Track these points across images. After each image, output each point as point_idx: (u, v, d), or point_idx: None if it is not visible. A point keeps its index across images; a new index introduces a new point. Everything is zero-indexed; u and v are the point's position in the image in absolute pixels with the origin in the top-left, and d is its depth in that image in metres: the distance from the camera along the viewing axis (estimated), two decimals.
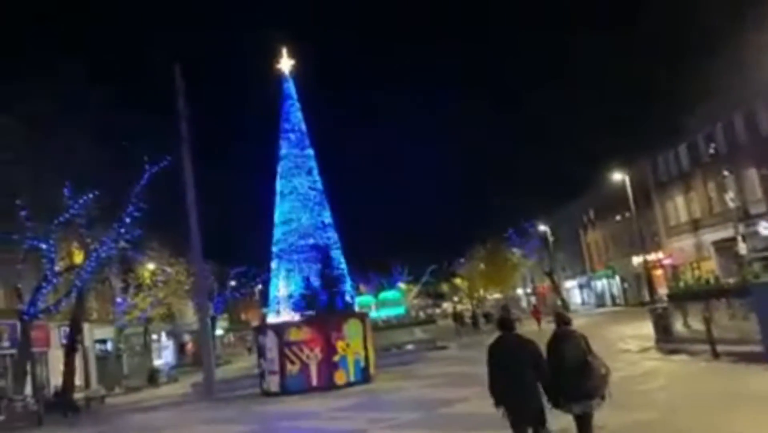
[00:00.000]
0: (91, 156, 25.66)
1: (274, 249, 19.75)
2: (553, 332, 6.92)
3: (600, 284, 58.93)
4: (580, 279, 63.81)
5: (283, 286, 19.15)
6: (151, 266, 38.58)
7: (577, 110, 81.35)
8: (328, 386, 17.96)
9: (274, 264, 19.71)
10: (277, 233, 19.72)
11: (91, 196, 24.83)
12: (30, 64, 24.40)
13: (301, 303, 18.65)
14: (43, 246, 23.85)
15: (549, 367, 6.42)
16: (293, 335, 18.15)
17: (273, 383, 18.39)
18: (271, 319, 19.46)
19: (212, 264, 47.11)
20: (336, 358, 18.27)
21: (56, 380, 29.39)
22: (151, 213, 27.66)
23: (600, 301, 57.69)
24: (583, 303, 63.17)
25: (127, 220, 27.05)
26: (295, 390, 17.89)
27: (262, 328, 19.71)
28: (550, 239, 61.36)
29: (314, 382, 18.01)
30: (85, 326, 40.30)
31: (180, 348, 57.73)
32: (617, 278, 53.85)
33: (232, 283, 55.65)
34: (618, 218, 49.93)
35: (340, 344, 18.38)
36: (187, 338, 57.56)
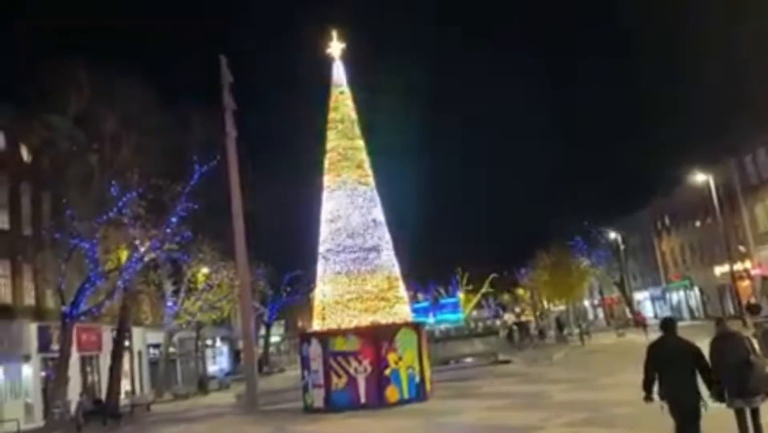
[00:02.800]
0: (139, 154, 24.88)
1: (321, 249, 17.97)
2: (715, 334, 7.48)
3: (676, 295, 54.86)
4: (653, 290, 59.73)
5: (329, 290, 17.31)
6: (205, 270, 37.72)
7: (652, 108, 76.90)
8: (378, 403, 15.99)
9: (320, 266, 17.93)
10: (324, 232, 17.94)
11: (135, 194, 23.89)
12: (75, 59, 23.79)
13: (350, 310, 16.75)
14: (86, 245, 23.00)
15: (712, 365, 7.10)
16: (339, 345, 16.28)
17: (317, 397, 16.56)
18: (317, 326, 17.64)
19: (266, 268, 46.11)
20: (387, 372, 16.29)
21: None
22: (202, 214, 26.65)
23: (676, 314, 53.53)
24: (656, 316, 59.07)
25: (174, 220, 26.08)
26: (342, 406, 16.00)
27: (306, 336, 17.93)
28: (621, 246, 57.59)
29: (362, 398, 16.06)
30: (138, 330, 39.83)
31: (235, 354, 56.93)
32: (696, 290, 49.84)
33: (288, 288, 54.65)
34: (697, 224, 46.19)
35: (391, 357, 16.39)
36: (242, 344, 56.76)
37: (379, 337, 16.45)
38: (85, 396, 24.69)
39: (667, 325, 7.53)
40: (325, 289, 17.51)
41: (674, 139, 56.64)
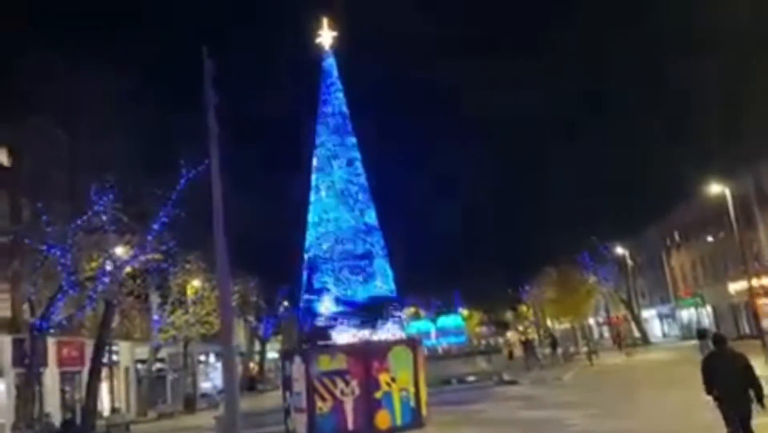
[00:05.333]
0: (118, 157, 23.41)
1: (306, 256, 16.22)
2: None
3: (686, 313, 52.80)
4: (661, 308, 57.73)
5: (314, 301, 15.52)
6: (196, 282, 36.05)
7: (663, 117, 75.08)
8: (367, 430, 14.18)
9: (305, 275, 16.17)
10: (310, 236, 16.19)
11: (111, 196, 22.26)
12: (52, 55, 22.43)
13: (336, 324, 14.97)
14: (57, 252, 21.33)
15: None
16: (324, 364, 14.47)
17: (299, 423, 14.73)
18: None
19: (260, 280, 44.37)
20: (378, 394, 14.47)
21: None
22: (189, 223, 25.05)
23: (686, 333, 51.47)
24: (665, 335, 57.08)
25: (156, 226, 24.45)
26: None
27: (288, 353, 16.14)
28: (629, 262, 55.64)
29: (350, 425, 14.21)
30: (126, 345, 38.00)
31: None
32: (708, 308, 47.81)
33: (285, 303, 52.86)
34: (709, 238, 44.30)
35: (383, 377, 14.58)
36: (237, 360, 54.87)
37: (369, 355, 14.65)
38: (51, 416, 22.80)
39: (719, 339, 8.63)
40: (310, 300, 15.72)
41: (684, 151, 54.89)
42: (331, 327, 15.11)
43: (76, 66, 22.55)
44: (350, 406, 14.24)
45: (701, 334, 31.57)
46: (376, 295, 15.64)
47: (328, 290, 15.42)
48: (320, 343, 15.08)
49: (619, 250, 55.49)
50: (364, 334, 15.04)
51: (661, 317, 59.05)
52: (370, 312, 15.26)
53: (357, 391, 14.31)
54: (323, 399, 14.34)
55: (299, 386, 14.76)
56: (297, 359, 15.00)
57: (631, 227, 53.78)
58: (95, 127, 23.70)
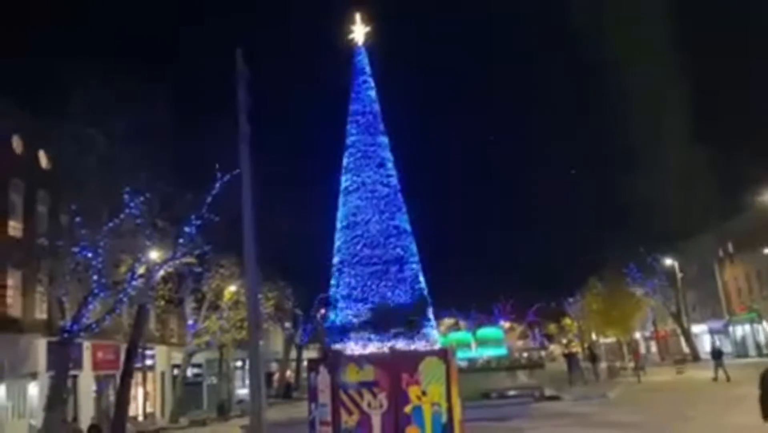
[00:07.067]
0: (153, 161, 23.19)
1: (334, 260, 15.47)
2: None
3: (740, 329, 50.15)
4: (713, 323, 55.02)
5: (342, 308, 14.75)
6: (232, 288, 35.81)
7: (712, 125, 71.98)
8: None
9: (333, 280, 15.41)
10: (338, 240, 15.44)
11: (142, 199, 22.02)
12: (93, 62, 22.37)
13: (365, 332, 14.16)
14: (89, 254, 21.15)
15: None
16: (351, 375, 13.62)
17: None
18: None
19: (298, 288, 43.95)
20: (408, 409, 13.53)
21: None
22: (223, 228, 24.73)
23: (740, 350, 48.90)
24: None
25: (187, 230, 24.16)
26: None
27: (314, 363, 15.35)
28: (679, 274, 53.23)
29: None
30: (163, 349, 38.03)
31: (267, 377, 54.60)
32: (765, 324, 45.27)
33: (322, 310, 52.41)
34: (766, 251, 41.99)
35: (413, 390, 13.64)
36: (274, 366, 54.63)
37: (399, 366, 13.73)
38: (75, 421, 22.54)
39: None
40: (337, 307, 14.95)
41: (739, 159, 52.35)
42: (359, 336, 14.30)
43: (112, 69, 22.48)
44: (378, 420, 13.34)
45: (717, 354, 29.79)
46: (407, 302, 14.76)
47: (355, 296, 14.62)
48: (347, 353, 14.27)
49: (668, 261, 53.22)
50: (394, 344, 14.15)
51: (712, 332, 56.36)
52: (399, 320, 14.38)
53: (385, 404, 13.40)
54: (349, 412, 13.49)
55: (324, 397, 13.95)
56: (322, 369, 14.20)
57: (681, 237, 51.51)
58: (131, 131, 23.59)
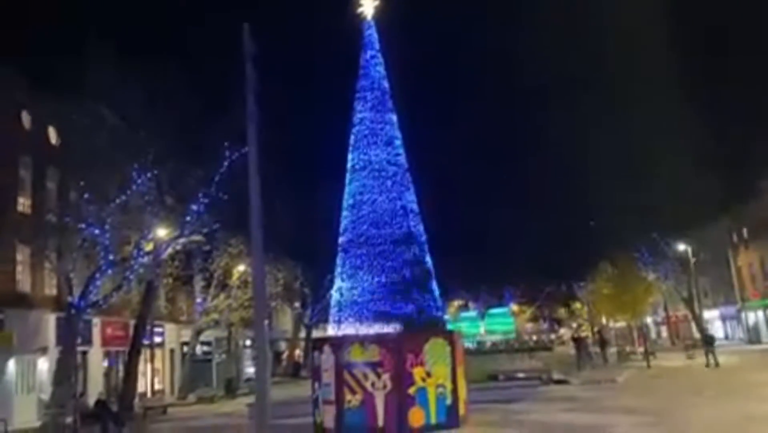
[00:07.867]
0: (163, 138, 23.02)
1: (341, 240, 15.27)
2: None
3: (753, 316, 49.62)
4: (725, 309, 54.50)
5: (347, 288, 14.59)
6: (241, 267, 35.82)
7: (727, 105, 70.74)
8: (399, 428, 13.16)
9: (339, 260, 15.23)
10: (345, 219, 15.24)
11: (149, 175, 21.92)
12: (96, 42, 22.14)
13: (370, 313, 13.99)
14: (96, 231, 21.13)
15: None
16: (355, 355, 13.52)
17: (328, 416, 13.85)
18: (332, 331, 14.94)
19: (303, 266, 43.88)
20: (412, 390, 13.43)
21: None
22: (232, 207, 24.64)
23: (753, 336, 48.44)
24: (728, 338, 53.85)
25: (195, 207, 24.06)
26: (355, 429, 13.27)
27: (318, 342, 15.24)
28: (692, 259, 52.60)
29: (380, 421, 13.23)
30: (173, 327, 38.18)
31: (275, 357, 54.93)
32: None
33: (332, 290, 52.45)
34: None
35: (418, 372, 13.53)
36: (283, 346, 54.90)
37: (403, 347, 13.61)
38: (83, 397, 22.65)
39: None
40: (342, 287, 14.78)
41: (753, 142, 51.41)
42: (364, 315, 14.15)
43: (122, 48, 22.29)
44: (381, 401, 13.26)
45: (709, 340, 29.56)
46: (413, 283, 14.56)
47: (361, 275, 14.45)
48: (351, 332, 14.15)
49: (681, 246, 52.59)
50: (397, 324, 13.99)
51: (724, 318, 55.84)
52: (406, 301, 14.20)
53: (389, 385, 13.31)
54: (353, 392, 13.41)
55: (328, 376, 13.87)
56: (326, 349, 14.10)
57: (694, 221, 50.81)
58: (141, 109, 23.43)
